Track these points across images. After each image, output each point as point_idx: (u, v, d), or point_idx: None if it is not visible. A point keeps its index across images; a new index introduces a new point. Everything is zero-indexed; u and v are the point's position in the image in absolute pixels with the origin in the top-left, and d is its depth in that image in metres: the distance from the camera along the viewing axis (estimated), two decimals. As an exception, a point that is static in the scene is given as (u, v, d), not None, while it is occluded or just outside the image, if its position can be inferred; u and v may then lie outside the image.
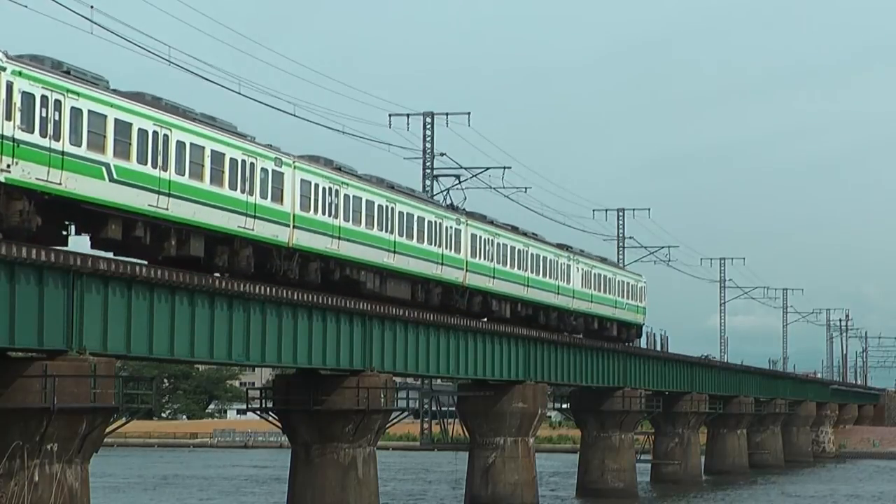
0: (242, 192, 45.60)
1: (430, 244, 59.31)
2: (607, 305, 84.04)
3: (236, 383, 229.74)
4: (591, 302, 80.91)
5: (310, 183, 49.84)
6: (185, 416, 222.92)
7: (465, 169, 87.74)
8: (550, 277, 73.97)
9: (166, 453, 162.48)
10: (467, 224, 63.57)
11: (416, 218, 57.97)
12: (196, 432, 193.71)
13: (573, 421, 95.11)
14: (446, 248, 60.98)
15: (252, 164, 46.13)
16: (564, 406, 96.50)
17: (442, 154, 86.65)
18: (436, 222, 59.97)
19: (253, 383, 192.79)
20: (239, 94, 53.89)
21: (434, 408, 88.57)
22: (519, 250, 69.37)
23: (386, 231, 55.46)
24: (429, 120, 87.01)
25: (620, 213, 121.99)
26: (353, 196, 52.92)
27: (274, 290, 48.62)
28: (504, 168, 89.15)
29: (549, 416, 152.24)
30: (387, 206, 55.70)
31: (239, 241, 46.05)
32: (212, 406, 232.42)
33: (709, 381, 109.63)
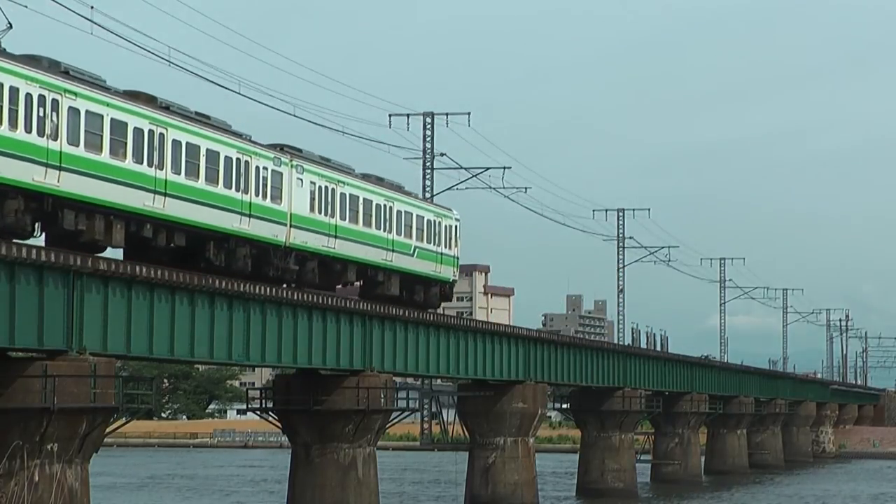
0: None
1: None
2: (374, 247, 55.71)
3: (236, 383, 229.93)
4: (335, 237, 52.63)
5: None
6: (185, 416, 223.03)
7: (465, 169, 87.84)
8: (234, 189, 46.13)
9: (166, 453, 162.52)
10: None
11: None
12: (196, 432, 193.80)
13: (573, 421, 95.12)
14: None
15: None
16: (564, 406, 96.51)
17: (442, 154, 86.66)
18: None
19: (253, 383, 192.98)
20: (239, 94, 53.81)
21: (434, 409, 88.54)
22: (139, 131, 41.44)
23: None
24: (429, 120, 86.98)
25: (620, 213, 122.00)
26: None
27: (274, 290, 48.67)
28: (504, 168, 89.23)
29: (549, 417, 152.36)
30: None
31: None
32: (212, 406, 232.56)
33: (709, 381, 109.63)
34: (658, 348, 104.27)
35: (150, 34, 46.92)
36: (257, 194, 47.45)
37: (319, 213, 51.60)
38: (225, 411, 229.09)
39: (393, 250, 57.14)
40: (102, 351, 40.36)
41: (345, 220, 53.31)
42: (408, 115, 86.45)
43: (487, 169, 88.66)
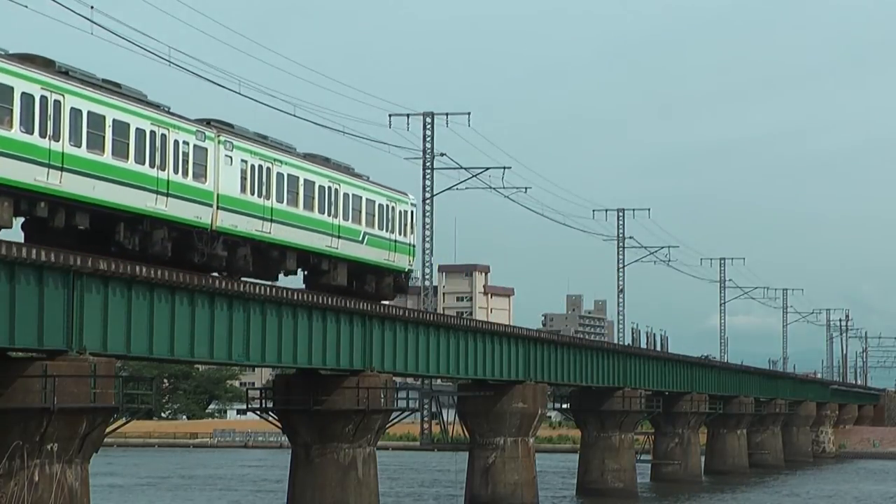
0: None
1: None
2: (317, 232, 51.26)
3: (236, 383, 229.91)
4: (271, 221, 47.90)
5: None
6: (185, 416, 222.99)
7: (465, 169, 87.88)
8: (147, 165, 41.22)
9: (166, 453, 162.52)
10: None
11: None
12: (196, 432, 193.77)
13: (573, 421, 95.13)
14: None
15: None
16: (564, 406, 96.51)
17: (442, 154, 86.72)
18: None
19: (253, 383, 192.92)
20: (239, 94, 53.81)
21: (434, 409, 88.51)
22: (28, 97, 36.81)
23: None
24: (429, 120, 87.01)
25: (620, 213, 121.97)
26: None
27: (274, 290, 48.68)
28: (504, 168, 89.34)
29: (549, 417, 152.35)
30: None
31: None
32: (212, 406, 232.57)
33: (709, 381, 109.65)
34: (658, 348, 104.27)
35: (150, 34, 46.95)
36: (176, 171, 42.49)
37: (252, 194, 46.69)
38: (225, 411, 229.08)
39: (339, 236, 52.58)
40: (102, 351, 40.36)
41: (282, 202, 48.62)
42: (408, 115, 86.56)
43: (487, 169, 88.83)
